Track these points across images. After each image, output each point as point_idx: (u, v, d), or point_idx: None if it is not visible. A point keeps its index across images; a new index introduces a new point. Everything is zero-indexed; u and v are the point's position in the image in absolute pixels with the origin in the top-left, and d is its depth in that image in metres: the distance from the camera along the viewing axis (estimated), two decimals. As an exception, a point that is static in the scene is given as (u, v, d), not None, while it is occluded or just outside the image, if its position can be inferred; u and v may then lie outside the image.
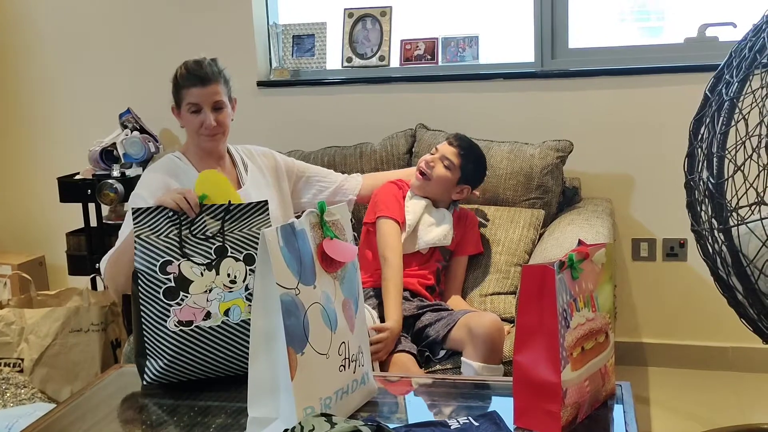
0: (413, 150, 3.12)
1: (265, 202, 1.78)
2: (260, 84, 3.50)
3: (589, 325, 1.50)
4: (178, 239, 1.71)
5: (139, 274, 1.68)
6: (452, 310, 2.42)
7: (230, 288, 1.70)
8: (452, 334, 2.27)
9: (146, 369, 1.70)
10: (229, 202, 1.77)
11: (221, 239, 1.72)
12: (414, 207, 2.58)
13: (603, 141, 3.17)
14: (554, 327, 1.40)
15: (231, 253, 1.71)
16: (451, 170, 2.55)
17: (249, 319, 1.46)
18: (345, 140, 3.28)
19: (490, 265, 2.69)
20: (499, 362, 2.20)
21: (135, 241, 1.70)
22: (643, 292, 3.24)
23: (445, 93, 3.31)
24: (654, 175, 3.15)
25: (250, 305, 1.47)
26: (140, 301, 1.68)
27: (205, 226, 1.74)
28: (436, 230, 2.56)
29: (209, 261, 1.70)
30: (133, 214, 1.72)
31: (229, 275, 1.70)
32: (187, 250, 1.70)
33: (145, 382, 1.71)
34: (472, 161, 2.60)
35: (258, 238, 1.65)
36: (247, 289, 1.69)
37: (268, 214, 1.78)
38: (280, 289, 1.38)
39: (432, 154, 2.60)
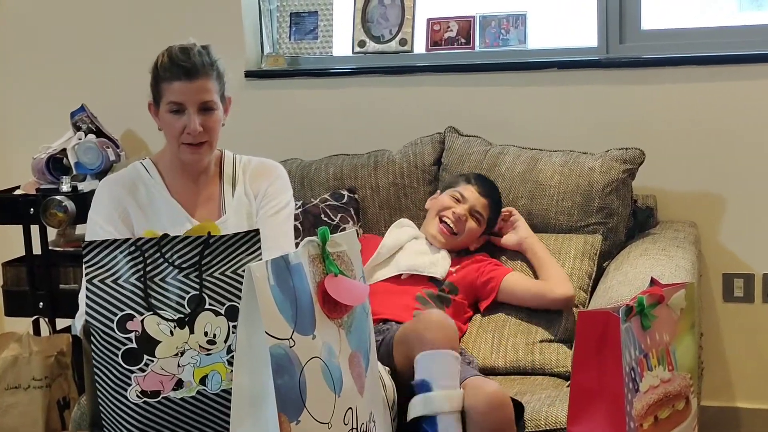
0: (442, 161, 3.13)
1: (256, 232, 1.78)
2: (249, 75, 3.52)
3: (665, 388, 1.50)
4: (141, 285, 1.71)
5: (92, 331, 1.67)
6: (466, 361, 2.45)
7: (208, 350, 1.69)
8: None
9: None
10: (209, 233, 1.75)
11: (198, 285, 1.72)
12: (398, 234, 2.83)
13: (685, 149, 3.16)
14: (619, 390, 1.41)
15: (210, 304, 1.70)
16: (480, 224, 2.83)
17: (231, 389, 1.46)
18: (356, 147, 3.29)
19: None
20: None
21: (86, 288, 1.69)
22: (738, 342, 3.22)
23: (483, 87, 3.32)
24: (752, 194, 3.13)
25: (233, 371, 1.47)
26: (94, 363, 1.68)
27: (178, 267, 1.74)
28: (422, 257, 2.75)
29: (182, 316, 1.70)
30: (83, 249, 1.72)
31: (206, 334, 1.69)
32: (153, 301, 1.69)
33: None
34: (496, 210, 2.87)
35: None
36: (229, 351, 1.68)
37: (260, 248, 1.77)
38: (270, 340, 1.40)
39: (459, 202, 2.81)
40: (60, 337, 3.18)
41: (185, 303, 1.70)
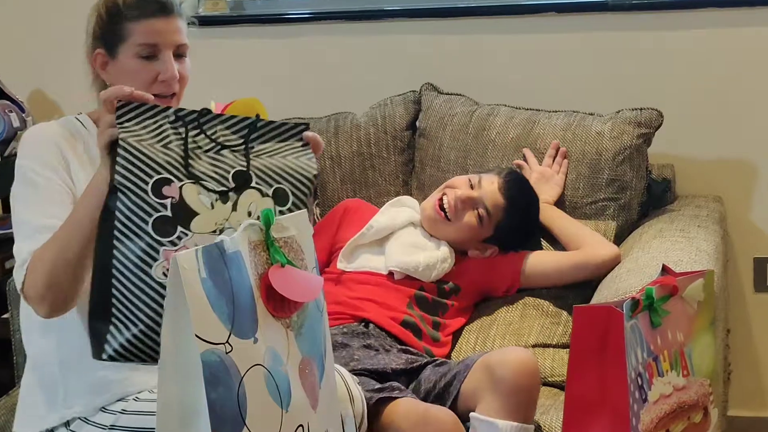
0: (417, 125, 3.13)
1: (306, 125, 1.86)
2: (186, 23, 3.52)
3: (678, 397, 1.51)
4: (182, 152, 1.75)
5: (121, 191, 1.71)
6: (458, 361, 2.47)
7: None
8: (465, 386, 2.30)
9: (108, 338, 1.70)
10: (258, 116, 1.82)
11: (245, 162, 1.77)
12: (394, 214, 2.78)
13: (709, 110, 3.18)
14: (623, 401, 1.42)
15: (256, 183, 1.76)
16: (482, 223, 2.71)
17: None
18: (314, 108, 3.29)
19: (533, 305, 2.72)
20: (530, 421, 2.21)
21: (119, 146, 1.73)
22: (773, 340, 3.26)
23: (467, 35, 3.32)
24: (788, 162, 3.16)
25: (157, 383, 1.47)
26: (115, 233, 1.70)
27: (223, 141, 1.79)
28: (418, 255, 2.69)
29: (225, 189, 1.74)
30: (117, 109, 1.76)
31: (250, 214, 1.72)
32: (194, 171, 1.74)
33: (104, 357, 1.71)
34: (514, 221, 2.75)
35: (293, 173, 1.76)
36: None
37: (310, 148, 1.85)
38: (202, 345, 1.39)
39: (471, 188, 2.71)
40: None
41: (230, 177, 1.76)
